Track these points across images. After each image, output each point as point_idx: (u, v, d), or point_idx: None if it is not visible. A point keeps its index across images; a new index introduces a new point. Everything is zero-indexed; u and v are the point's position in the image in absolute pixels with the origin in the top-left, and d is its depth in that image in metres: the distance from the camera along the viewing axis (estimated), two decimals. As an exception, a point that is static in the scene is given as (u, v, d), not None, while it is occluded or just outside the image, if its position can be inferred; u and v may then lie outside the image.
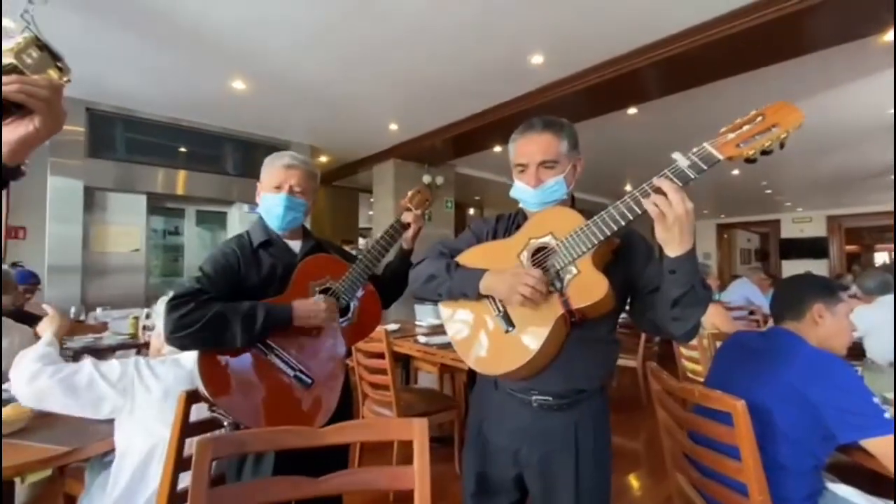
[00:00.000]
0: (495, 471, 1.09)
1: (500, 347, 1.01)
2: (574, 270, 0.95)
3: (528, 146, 1.07)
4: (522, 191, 1.08)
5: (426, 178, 6.04)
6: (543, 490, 1.04)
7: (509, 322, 1.00)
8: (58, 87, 0.65)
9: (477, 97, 4.04)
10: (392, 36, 3.02)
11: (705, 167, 0.85)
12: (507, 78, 3.62)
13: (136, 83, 3.81)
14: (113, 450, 1.19)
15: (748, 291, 4.88)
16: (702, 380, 2.67)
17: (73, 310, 3.10)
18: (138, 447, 1.14)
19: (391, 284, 1.43)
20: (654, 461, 2.74)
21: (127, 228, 4.43)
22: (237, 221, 5.28)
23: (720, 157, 0.84)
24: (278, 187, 1.26)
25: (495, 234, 1.19)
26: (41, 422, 1.35)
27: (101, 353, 2.87)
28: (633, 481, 2.58)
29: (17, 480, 1.51)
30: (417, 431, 0.85)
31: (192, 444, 1.09)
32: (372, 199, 6.77)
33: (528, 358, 0.95)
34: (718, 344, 1.97)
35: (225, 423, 1.10)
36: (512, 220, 1.20)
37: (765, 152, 0.83)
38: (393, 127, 4.90)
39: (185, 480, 1.10)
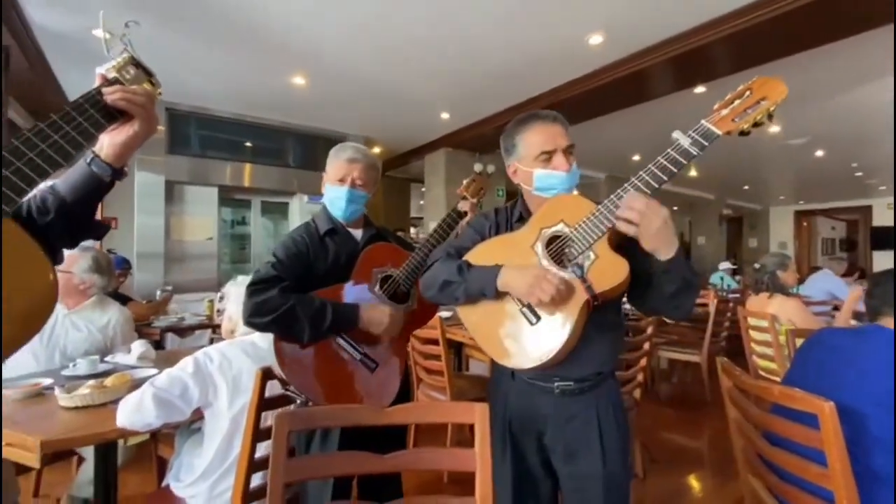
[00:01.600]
0: (527, 459, 1.09)
1: (528, 341, 1.00)
2: (592, 255, 0.96)
3: (551, 133, 1.07)
4: (552, 177, 1.06)
5: (477, 167, 6.01)
6: (570, 472, 1.06)
7: (535, 314, 0.99)
8: (153, 95, 0.73)
9: (530, 82, 3.95)
10: (445, 26, 3.01)
11: (706, 143, 0.89)
12: (563, 61, 3.50)
13: (207, 83, 4.08)
14: (199, 418, 1.32)
15: (831, 285, 4.44)
16: (777, 379, 2.49)
17: (158, 293, 3.42)
18: (224, 422, 1.25)
19: None
20: (721, 462, 2.60)
21: (201, 219, 4.80)
22: (298, 211, 5.55)
23: (719, 132, 0.89)
24: (342, 180, 1.32)
25: (497, 227, 1.17)
26: (139, 391, 1.52)
27: (182, 331, 3.16)
28: (695, 482, 2.46)
29: (121, 442, 1.71)
30: (479, 415, 0.87)
31: (267, 418, 1.20)
32: (423, 189, 6.85)
33: (559, 348, 0.95)
34: (799, 341, 1.82)
35: (297, 401, 1.18)
36: (510, 212, 1.19)
37: (756, 124, 0.88)
38: (445, 116, 4.91)
39: (260, 450, 1.21)
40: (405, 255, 1.34)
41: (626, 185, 0.94)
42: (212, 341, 3.40)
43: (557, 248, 1.00)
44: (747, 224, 12.50)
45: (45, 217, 0.68)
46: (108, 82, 0.70)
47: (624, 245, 0.99)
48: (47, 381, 1.53)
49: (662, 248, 0.90)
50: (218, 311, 3.36)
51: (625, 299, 1.09)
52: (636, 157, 6.68)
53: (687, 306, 0.99)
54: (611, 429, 1.05)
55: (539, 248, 1.02)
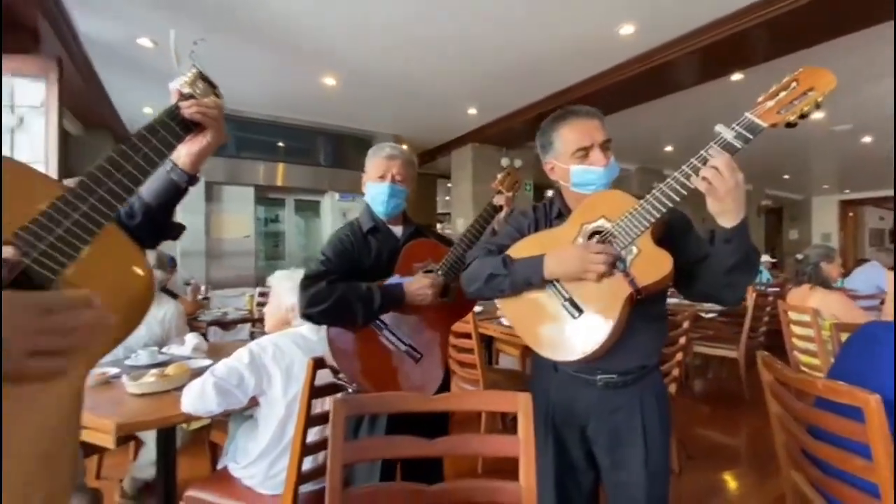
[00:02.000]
0: (570, 450, 1.11)
1: (571, 334, 1.01)
2: (635, 250, 0.96)
3: (587, 128, 1.06)
4: (590, 172, 1.06)
5: (504, 161, 6.00)
6: (612, 463, 1.07)
7: (577, 308, 1.01)
8: (222, 107, 0.79)
9: (558, 75, 3.92)
10: (472, 23, 3.03)
11: (751, 136, 0.87)
12: (593, 52, 3.46)
13: (243, 86, 4.24)
14: (253, 405, 1.41)
15: (879, 278, 4.23)
16: (820, 374, 2.42)
17: (202, 288, 3.61)
18: (279, 408, 1.34)
19: None
20: (760, 459, 2.55)
21: (238, 217, 5.01)
22: (329, 209, 5.70)
23: (764, 125, 0.87)
24: (382, 177, 1.37)
25: (536, 224, 1.18)
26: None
27: (225, 325, 3.33)
28: (732, 479, 2.42)
29: (182, 427, 1.84)
30: (522, 404, 0.91)
31: (315, 405, 1.27)
32: (449, 185, 6.89)
33: (603, 341, 0.96)
34: (844, 336, 1.77)
35: (349, 389, 1.25)
36: (549, 208, 1.19)
37: (803, 115, 0.86)
38: (472, 111, 4.93)
39: (310, 435, 1.28)
40: (444, 249, 1.38)
41: (668, 179, 0.93)
42: (252, 335, 3.56)
43: (599, 243, 1.00)
44: (788, 215, 11.96)
45: (132, 220, 0.76)
46: (183, 97, 0.77)
47: (668, 237, 0.99)
48: (114, 371, 1.67)
49: (729, 212, 0.88)
50: (258, 304, 3.52)
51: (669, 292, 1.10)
52: (668, 148, 6.51)
53: (742, 287, 0.97)
54: (654, 422, 1.06)
55: (580, 242, 1.03)
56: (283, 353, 1.35)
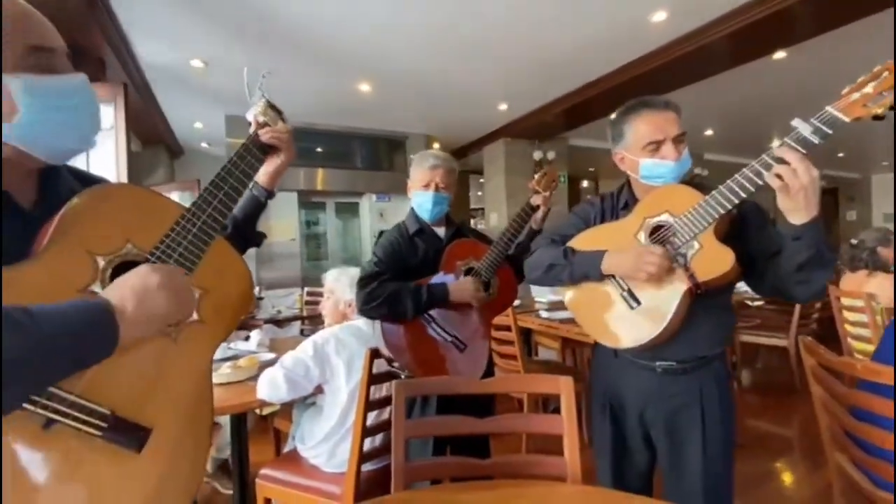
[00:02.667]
0: (626, 432, 1.15)
1: (628, 324, 1.05)
2: (696, 245, 0.97)
3: (662, 121, 1.05)
4: (660, 166, 1.05)
5: (537, 155, 6.00)
6: (670, 446, 1.09)
7: (635, 299, 1.04)
8: (291, 131, 0.92)
9: (590, 65, 3.90)
10: (501, 21, 3.08)
11: (830, 132, 0.84)
12: (625, 41, 3.43)
13: (283, 97, 4.44)
14: (317, 393, 1.56)
15: (948, 260, 3.95)
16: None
17: (257, 289, 3.88)
18: (343, 396, 1.49)
19: (520, 263, 1.57)
20: (812, 448, 2.50)
21: (284, 221, 5.29)
22: (367, 210, 5.91)
23: (846, 119, 0.83)
24: (426, 186, 1.48)
25: (602, 214, 1.20)
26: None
27: (279, 322, 3.57)
28: (783, 468, 2.40)
29: (255, 411, 2.03)
30: (564, 386, 0.99)
31: (375, 390, 1.41)
32: (481, 180, 6.95)
33: (657, 332, 1.00)
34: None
35: (402, 376, 1.38)
36: (616, 198, 1.20)
37: (892, 108, 0.81)
38: (502, 107, 4.97)
39: (369, 419, 1.42)
40: (484, 248, 1.48)
41: (736, 175, 0.94)
42: (302, 331, 3.80)
43: (661, 238, 1.03)
44: (844, 195, 11.21)
45: (225, 231, 0.91)
46: (259, 125, 0.90)
47: (740, 229, 1.00)
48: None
49: (800, 210, 0.86)
50: (306, 302, 3.75)
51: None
52: (708, 132, 6.30)
53: (816, 283, 0.93)
54: (714, 410, 1.06)
55: (642, 236, 1.05)
56: (344, 344, 1.50)
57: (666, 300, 0.99)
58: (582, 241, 1.15)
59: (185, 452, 0.66)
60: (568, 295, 1.17)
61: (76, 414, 0.55)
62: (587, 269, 1.09)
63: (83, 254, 0.59)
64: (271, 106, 0.95)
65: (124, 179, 3.51)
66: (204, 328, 0.70)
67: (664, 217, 1.03)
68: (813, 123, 0.85)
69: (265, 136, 0.88)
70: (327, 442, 1.51)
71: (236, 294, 0.75)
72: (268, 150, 0.89)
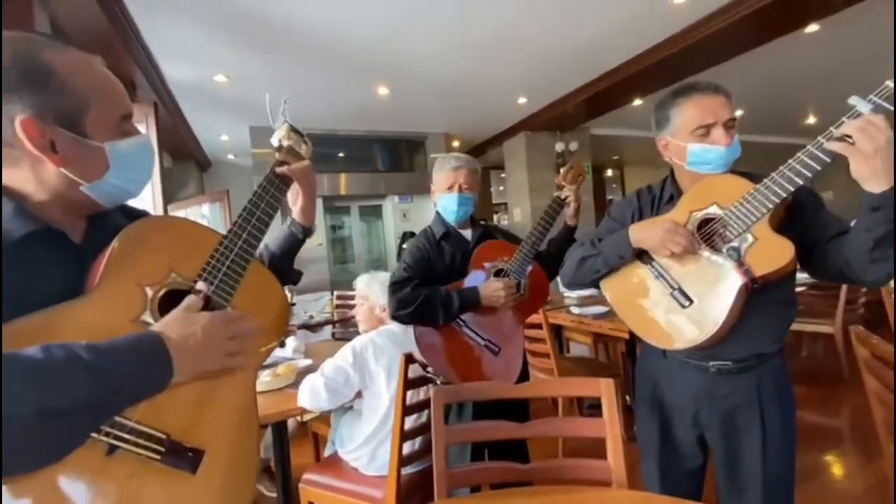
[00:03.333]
0: (676, 433, 1.10)
1: (679, 324, 0.98)
2: (750, 238, 0.91)
3: (712, 105, 0.99)
4: (709, 152, 0.99)
5: (559, 146, 5.90)
6: (727, 448, 1.04)
7: (686, 297, 0.97)
8: (307, 166, 0.90)
9: (610, 53, 3.81)
10: (517, 16, 3.04)
11: (892, 108, 0.77)
12: (644, 28, 3.34)
13: (303, 105, 4.56)
14: (356, 398, 1.59)
15: None
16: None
17: (289, 295, 3.97)
18: (384, 400, 1.51)
19: (556, 259, 1.54)
20: (864, 441, 2.38)
21: (310, 227, 5.40)
22: (390, 211, 5.96)
23: None
24: (450, 188, 1.48)
25: (641, 211, 1.14)
26: (303, 377, 1.84)
27: (312, 328, 3.65)
28: (835, 460, 2.29)
29: (297, 418, 2.09)
30: (605, 389, 0.98)
31: (413, 395, 1.42)
32: (503, 175, 6.90)
33: (712, 333, 0.93)
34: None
35: (437, 381, 1.39)
36: (660, 192, 1.14)
37: None
38: (522, 101, 4.91)
39: (408, 423, 1.43)
40: (512, 248, 1.47)
41: (790, 161, 0.88)
42: (333, 335, 3.87)
43: (710, 232, 0.97)
44: None
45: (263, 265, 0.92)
46: (278, 150, 0.90)
47: (796, 215, 0.94)
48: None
49: (879, 174, 0.77)
50: (337, 306, 3.82)
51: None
52: (739, 112, 6.05)
53: (889, 262, 0.84)
54: (774, 412, 1.01)
55: (674, 226, 0.98)
56: (382, 350, 1.52)
57: (720, 298, 0.93)
58: None
59: (236, 471, 0.69)
60: (614, 298, 1.11)
61: (136, 439, 0.58)
62: (618, 249, 1.04)
63: (133, 286, 0.63)
64: (294, 129, 0.95)
65: (159, 196, 3.65)
66: None
67: (712, 209, 0.97)
68: (873, 101, 0.78)
69: (281, 170, 0.87)
70: (367, 445, 1.54)
71: (274, 315, 0.78)
72: (288, 181, 0.89)
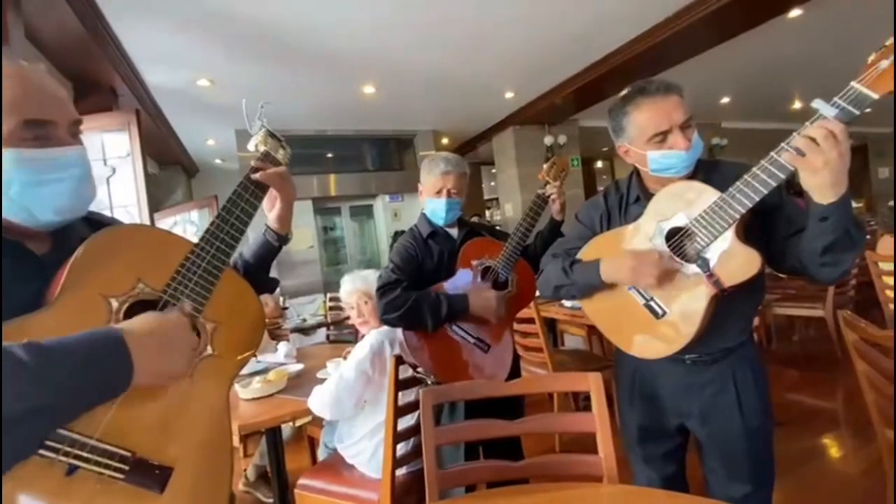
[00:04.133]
0: (656, 420, 1.12)
1: (655, 334, 1.00)
2: (718, 248, 0.90)
3: (664, 109, 0.96)
4: (670, 157, 0.97)
5: (548, 140, 5.90)
6: (709, 434, 1.06)
7: (660, 307, 0.98)
8: (283, 172, 0.87)
9: (596, 43, 3.80)
10: (500, 9, 3.02)
11: (857, 112, 0.75)
12: (628, 16, 3.33)
13: (290, 107, 4.52)
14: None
15: None
16: (920, 326, 2.23)
17: (281, 299, 3.94)
18: (382, 402, 1.48)
19: (542, 254, 1.53)
20: (858, 422, 2.40)
21: (301, 230, 5.36)
22: (381, 211, 5.93)
23: (874, 95, 0.74)
24: (438, 192, 1.46)
25: (609, 214, 1.13)
26: (294, 382, 1.84)
27: (305, 330, 3.62)
28: (831, 443, 2.31)
29: (289, 424, 2.07)
30: (593, 383, 0.97)
31: (406, 395, 1.40)
32: (493, 171, 6.89)
33: (687, 342, 0.95)
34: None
35: (428, 381, 1.37)
36: (627, 191, 1.12)
37: None
38: (509, 95, 4.90)
39: (403, 423, 1.41)
40: (499, 245, 1.45)
41: (754, 169, 0.86)
42: (328, 337, 3.85)
43: (679, 243, 0.96)
44: (873, 151, 10.68)
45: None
46: (261, 155, 0.88)
47: (758, 215, 0.93)
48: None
49: (826, 187, 0.77)
50: (330, 308, 3.80)
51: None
52: (725, 100, 6.08)
53: (844, 265, 0.86)
54: (750, 394, 1.03)
55: (658, 242, 0.97)
56: (384, 349, 1.49)
57: (693, 306, 0.93)
58: (592, 253, 1.08)
59: (207, 488, 0.66)
60: (593, 313, 1.12)
61: (97, 458, 0.55)
62: (589, 280, 1.05)
63: (96, 297, 0.60)
64: (271, 134, 0.93)
65: (144, 203, 3.60)
66: (219, 362, 0.70)
67: (680, 219, 0.95)
68: (837, 104, 0.76)
69: (256, 176, 0.84)
70: (370, 440, 1.52)
71: (249, 325, 0.76)
72: (265, 187, 0.86)
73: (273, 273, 1.00)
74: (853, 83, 0.76)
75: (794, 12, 3.47)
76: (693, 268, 0.93)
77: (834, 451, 2.26)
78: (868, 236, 4.20)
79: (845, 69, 0.76)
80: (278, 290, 1.03)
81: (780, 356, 3.60)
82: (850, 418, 2.52)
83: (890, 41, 0.74)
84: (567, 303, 2.91)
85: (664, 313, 0.98)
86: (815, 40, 4.11)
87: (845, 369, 3.02)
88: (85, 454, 0.54)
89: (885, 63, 0.73)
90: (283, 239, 0.92)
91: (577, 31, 3.48)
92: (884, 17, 3.48)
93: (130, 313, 0.61)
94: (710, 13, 3.18)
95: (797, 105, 6.79)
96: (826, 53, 4.42)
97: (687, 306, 0.95)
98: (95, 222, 0.74)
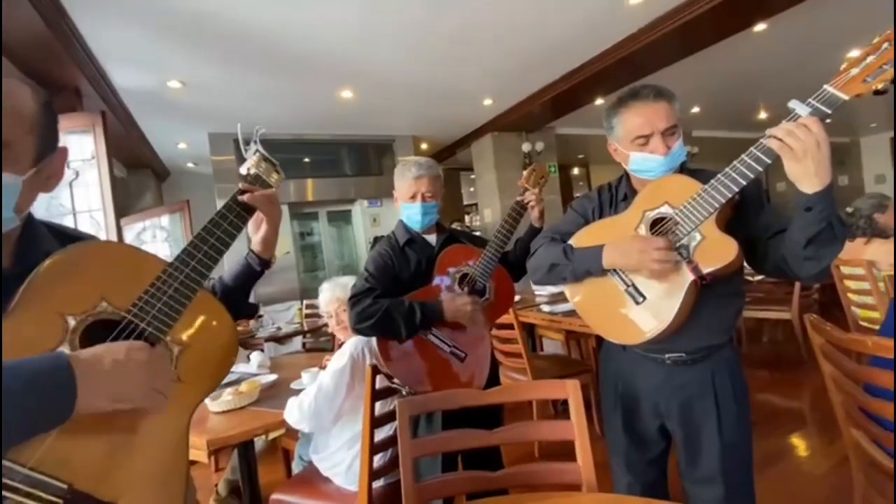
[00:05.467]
0: (639, 424, 1.14)
1: (634, 319, 1.03)
2: (698, 237, 0.95)
3: (650, 113, 1.02)
4: (649, 160, 1.04)
5: (525, 147, 5.96)
6: (686, 435, 1.08)
7: (639, 294, 1.02)
8: (272, 195, 0.84)
9: (571, 53, 3.87)
10: (477, 17, 3.04)
11: (829, 111, 0.81)
12: (602, 27, 3.40)
13: (265, 110, 4.43)
14: None
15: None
16: (878, 328, 2.33)
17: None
18: (359, 412, 1.45)
19: (523, 260, 1.53)
20: (825, 421, 2.49)
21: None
22: (360, 216, 5.86)
23: (844, 97, 0.80)
24: (413, 197, 1.45)
25: (601, 208, 1.19)
26: (267, 394, 1.78)
27: (280, 339, 3.53)
28: (799, 442, 2.39)
29: (262, 437, 2.00)
30: (571, 390, 0.97)
31: (383, 405, 1.37)
32: (472, 176, 6.92)
33: (664, 327, 0.98)
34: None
35: (404, 392, 1.35)
36: (615, 190, 1.19)
37: (894, 81, 0.78)
38: (487, 102, 4.93)
39: (380, 433, 1.39)
40: (477, 252, 1.45)
41: (735, 162, 0.91)
42: (304, 345, 3.76)
43: (662, 231, 1.01)
44: (834, 160, 11.04)
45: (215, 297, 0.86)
46: (245, 180, 0.84)
47: (741, 213, 0.98)
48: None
49: (811, 175, 0.82)
50: (306, 315, 3.71)
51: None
52: (695, 110, 6.27)
53: (825, 260, 0.88)
54: (728, 399, 1.05)
55: (643, 230, 1.03)
56: (365, 358, 1.47)
57: (671, 293, 0.97)
58: (583, 238, 1.13)
59: None
60: (575, 299, 1.15)
61: (28, 489, 0.49)
62: (589, 265, 1.07)
63: (52, 314, 0.57)
64: (265, 158, 0.88)
65: (110, 207, 3.46)
66: (182, 387, 0.66)
67: (664, 209, 1.01)
68: (811, 104, 0.82)
69: (243, 197, 0.81)
70: (347, 450, 1.48)
71: (218, 347, 0.72)
72: (251, 209, 0.83)
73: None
74: (826, 86, 0.82)
75: (760, 27, 3.61)
76: (674, 256, 0.96)
77: (802, 451, 2.33)
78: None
79: (808, 81, 0.83)
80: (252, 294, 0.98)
81: (751, 358, 3.72)
82: (816, 418, 2.61)
83: (861, 52, 0.81)
84: (546, 307, 2.93)
85: (644, 299, 1.01)
86: (779, 53, 4.29)
87: (811, 370, 3.15)
88: (15, 484, 0.49)
89: (855, 70, 0.80)
90: (266, 263, 0.89)
91: (552, 40, 3.54)
92: (842, 31, 3.68)
93: (88, 333, 0.57)
94: (678, 26, 3.29)
95: (763, 115, 7.07)
96: (789, 66, 4.62)
97: (667, 293, 0.98)
98: (66, 236, 0.70)
